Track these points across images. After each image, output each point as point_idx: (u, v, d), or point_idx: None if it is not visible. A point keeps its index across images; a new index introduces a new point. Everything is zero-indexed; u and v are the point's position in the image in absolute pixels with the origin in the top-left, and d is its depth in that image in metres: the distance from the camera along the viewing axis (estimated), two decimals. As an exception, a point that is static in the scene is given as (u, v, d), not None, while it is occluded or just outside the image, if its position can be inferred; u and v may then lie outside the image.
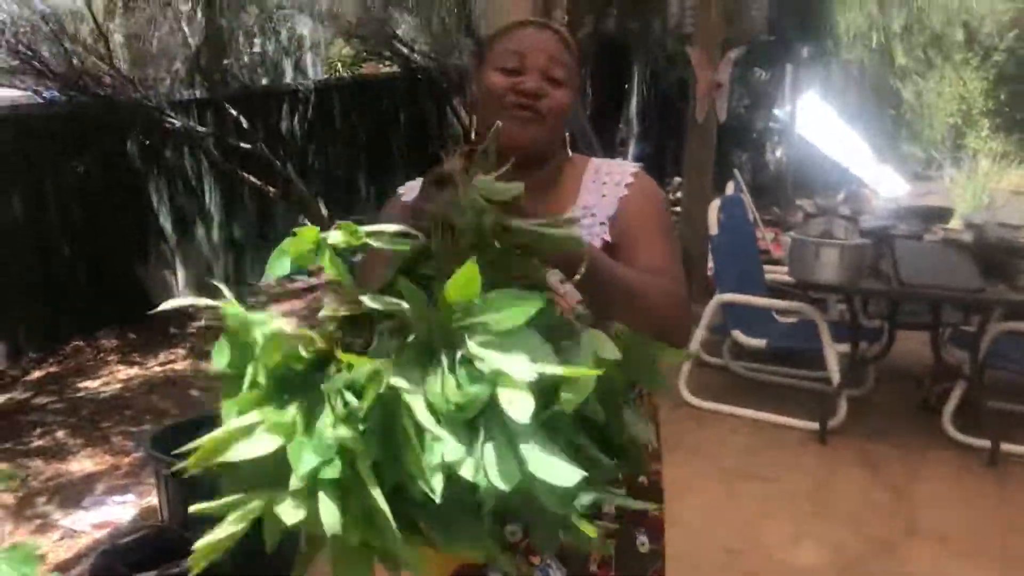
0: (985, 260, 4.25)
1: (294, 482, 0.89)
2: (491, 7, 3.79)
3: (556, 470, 0.88)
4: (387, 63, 10.39)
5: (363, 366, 0.94)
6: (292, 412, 0.95)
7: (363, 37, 8.36)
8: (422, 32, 8.33)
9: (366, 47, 9.66)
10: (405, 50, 8.97)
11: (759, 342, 4.69)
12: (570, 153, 1.57)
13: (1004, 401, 4.59)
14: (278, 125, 8.18)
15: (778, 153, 13.00)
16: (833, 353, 4.46)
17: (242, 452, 0.93)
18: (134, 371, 5.81)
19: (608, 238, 1.47)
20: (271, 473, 0.93)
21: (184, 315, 6.93)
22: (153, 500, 3.78)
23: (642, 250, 1.44)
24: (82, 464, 4.44)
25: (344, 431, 0.90)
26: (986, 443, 4.16)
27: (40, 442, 4.69)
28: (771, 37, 11.32)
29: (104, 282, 6.52)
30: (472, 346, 0.93)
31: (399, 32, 8.78)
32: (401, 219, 1.17)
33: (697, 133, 6.48)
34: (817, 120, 12.29)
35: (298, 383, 0.99)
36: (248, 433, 0.95)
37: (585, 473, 0.89)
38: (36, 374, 5.74)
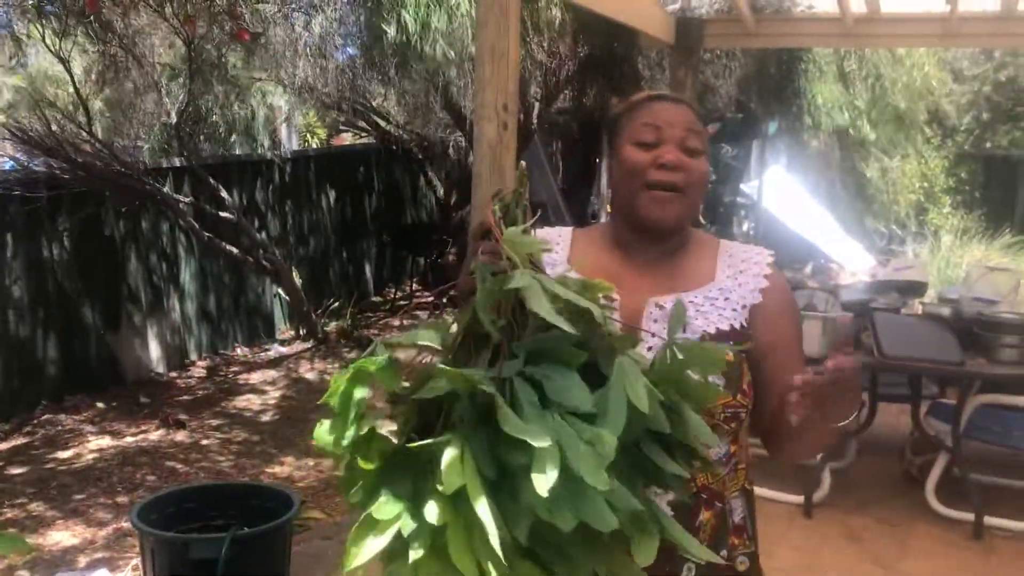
0: (963, 333, 4.32)
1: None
2: (477, 81, 3.84)
3: (601, 511, 1.00)
4: (362, 134, 10.50)
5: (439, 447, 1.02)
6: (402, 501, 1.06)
7: (339, 108, 8.44)
8: (398, 104, 8.44)
9: (342, 118, 9.77)
10: (380, 121, 9.07)
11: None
12: (702, 223, 1.60)
13: (986, 474, 4.62)
14: (253, 194, 8.18)
15: (745, 227, 13.20)
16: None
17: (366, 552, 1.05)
18: (107, 441, 5.67)
19: (743, 323, 1.48)
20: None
21: (154, 384, 6.82)
22: (129, 574, 3.67)
23: (790, 360, 1.48)
24: (56, 537, 4.30)
25: (438, 509, 1.01)
26: (970, 516, 4.17)
27: (11, 514, 4.54)
28: (739, 115, 11.63)
29: (76, 351, 6.41)
30: (503, 414, 1.02)
31: (374, 103, 8.89)
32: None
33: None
34: (783, 195, 12.54)
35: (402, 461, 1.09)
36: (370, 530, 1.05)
37: (639, 506, 1.04)
38: (6, 445, 5.59)
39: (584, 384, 1.06)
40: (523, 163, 1.37)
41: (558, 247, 1.58)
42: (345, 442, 1.10)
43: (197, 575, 2.81)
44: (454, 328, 1.18)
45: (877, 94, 10.96)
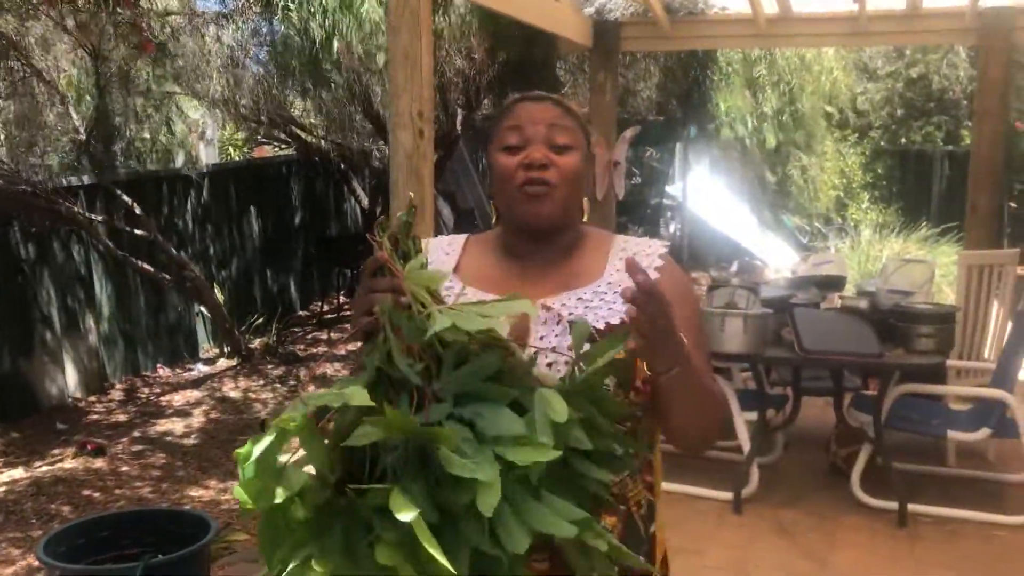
0: (881, 326, 4.39)
1: None
2: (391, 88, 3.79)
3: (559, 522, 1.06)
4: (283, 145, 10.34)
5: (380, 495, 1.03)
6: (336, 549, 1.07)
7: (257, 120, 8.29)
8: (316, 114, 8.32)
9: (260, 130, 9.59)
10: (300, 132, 8.93)
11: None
12: (586, 217, 1.57)
13: (908, 462, 4.71)
14: (171, 211, 7.98)
15: (671, 228, 13.36)
16: (742, 422, 4.51)
17: None
18: (19, 471, 5.45)
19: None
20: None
21: (71, 409, 6.59)
22: (42, 612, 3.51)
23: (692, 348, 1.44)
24: (-39, 577, 4.11)
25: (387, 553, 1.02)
26: (894, 504, 4.23)
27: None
28: (661, 118, 11.75)
29: (-16, 378, 6.16)
30: (446, 457, 1.04)
31: (293, 114, 8.75)
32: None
33: (597, 210, 6.58)
34: (707, 196, 12.73)
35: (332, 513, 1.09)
36: None
37: (586, 514, 1.09)
38: (-92, 479, 5.34)
39: (515, 416, 1.10)
40: (411, 194, 1.38)
41: (447, 256, 1.57)
42: (277, 499, 1.06)
43: (109, 608, 2.69)
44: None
45: (787, 98, 11.20)
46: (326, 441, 1.10)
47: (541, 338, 1.42)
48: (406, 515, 0.99)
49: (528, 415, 1.10)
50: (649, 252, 1.53)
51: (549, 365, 1.39)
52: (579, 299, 1.45)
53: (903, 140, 14.96)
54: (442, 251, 1.58)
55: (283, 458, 1.08)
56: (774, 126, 11.46)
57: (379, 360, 1.15)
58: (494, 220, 1.60)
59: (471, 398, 1.12)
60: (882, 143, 14.77)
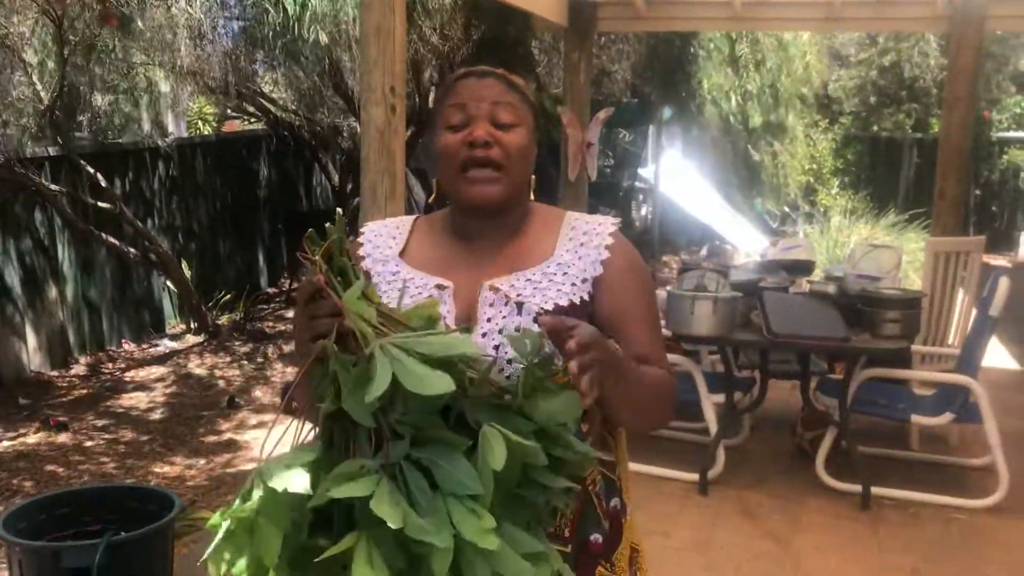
0: (848, 310, 4.42)
1: None
2: (363, 63, 3.74)
3: (519, 564, 1.09)
4: (252, 120, 10.21)
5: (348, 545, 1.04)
6: None
7: (225, 93, 8.17)
8: (287, 88, 8.22)
9: (230, 104, 9.46)
10: (270, 107, 8.82)
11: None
12: (531, 197, 1.54)
13: (872, 445, 4.76)
14: (137, 183, 7.86)
15: (643, 210, 13.38)
16: (709, 404, 4.53)
17: None
18: (-21, 446, 5.38)
19: (585, 297, 1.44)
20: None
21: (34, 384, 6.50)
22: (2, 589, 3.46)
23: (633, 330, 1.46)
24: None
25: None
26: (858, 488, 4.28)
27: None
28: (635, 100, 11.74)
29: (-56, 351, 6.06)
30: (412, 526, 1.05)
31: (264, 88, 8.63)
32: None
33: (570, 191, 6.57)
34: (679, 179, 12.75)
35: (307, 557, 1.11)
36: None
37: (541, 548, 1.12)
38: None
39: (469, 466, 1.09)
40: (339, 210, 1.34)
41: (394, 241, 1.55)
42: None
43: (70, 584, 2.65)
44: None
45: (764, 80, 11.21)
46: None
47: (489, 320, 1.41)
48: (363, 572, 1.01)
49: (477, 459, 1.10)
50: (599, 229, 1.51)
51: (496, 347, 1.38)
52: (528, 280, 1.44)
53: (875, 128, 15.07)
54: (389, 236, 1.56)
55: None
56: (758, 105, 11.47)
57: (330, 402, 1.14)
58: (431, 199, 1.56)
59: (427, 438, 1.11)
60: (853, 130, 14.87)
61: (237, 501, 1.12)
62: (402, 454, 1.09)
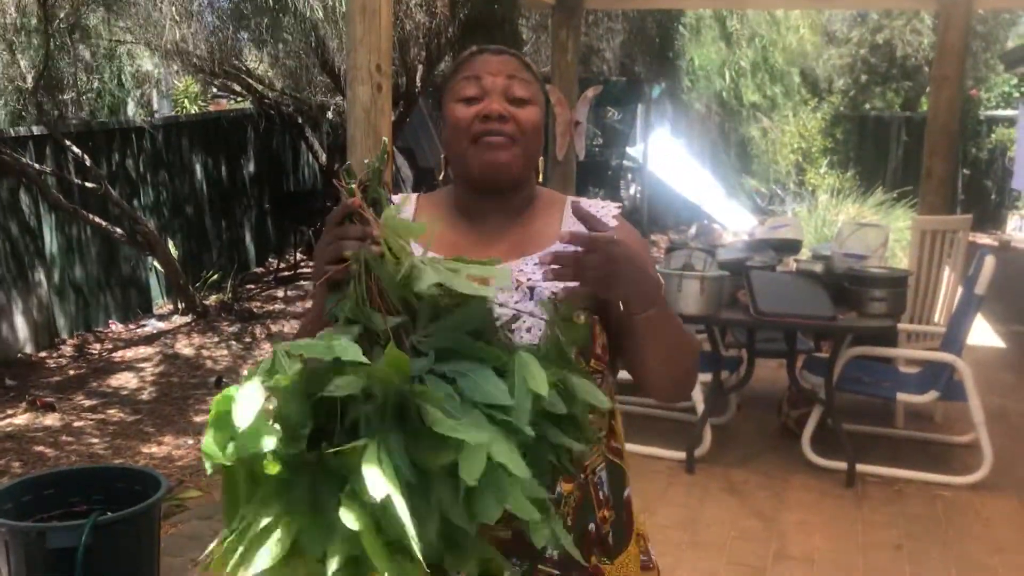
0: (835, 289, 4.44)
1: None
2: (348, 40, 3.71)
3: (525, 504, 1.03)
4: (238, 98, 10.14)
5: (356, 452, 0.98)
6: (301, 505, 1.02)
7: (211, 72, 8.11)
8: (274, 67, 8.17)
9: (215, 82, 9.39)
10: (257, 85, 8.76)
11: (622, 373, 4.72)
12: (539, 180, 1.53)
13: (857, 423, 4.80)
14: (123, 163, 7.81)
15: (632, 190, 13.36)
16: (697, 383, 4.54)
17: (261, 562, 0.99)
18: (-35, 428, 5.36)
19: None
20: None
21: (21, 365, 6.47)
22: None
23: None
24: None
25: (352, 516, 0.97)
26: (843, 465, 4.31)
27: None
28: (623, 78, 11.70)
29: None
30: (432, 415, 1.00)
31: (250, 67, 8.57)
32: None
33: (558, 170, 6.56)
34: (668, 158, 12.73)
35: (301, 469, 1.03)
36: (265, 538, 1.00)
37: (544, 496, 1.07)
38: None
39: (499, 380, 1.06)
40: (384, 139, 1.32)
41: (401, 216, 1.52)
42: (248, 452, 1.00)
43: (56, 565, 2.65)
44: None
45: (755, 57, 11.18)
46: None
47: (500, 305, 1.38)
48: (379, 490, 0.95)
49: (509, 380, 1.07)
50: (602, 213, 1.51)
51: (511, 332, 1.37)
52: (536, 264, 1.42)
53: (867, 106, 15.05)
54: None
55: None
56: (751, 81, 11.43)
57: (351, 311, 1.11)
58: (441, 176, 1.53)
59: (453, 354, 1.08)
60: (842, 108, 14.85)
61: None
62: (423, 369, 1.06)
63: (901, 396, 4.53)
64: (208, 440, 1.01)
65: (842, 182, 12.62)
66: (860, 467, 4.32)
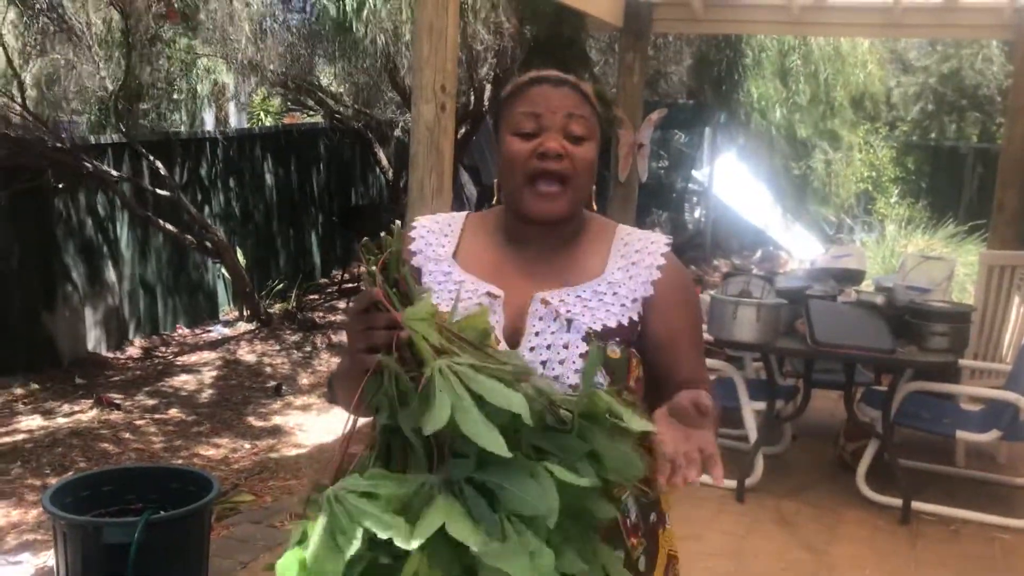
0: (895, 322, 4.36)
1: None
2: (414, 60, 3.79)
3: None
4: (310, 112, 10.36)
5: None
6: None
7: (285, 86, 8.32)
8: (345, 83, 8.34)
9: (289, 96, 9.62)
10: (329, 100, 8.95)
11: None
12: (594, 208, 1.53)
13: (915, 459, 4.69)
14: (196, 172, 8.04)
15: (696, 213, 13.29)
16: (750, 411, 4.50)
17: None
18: (38, 422, 5.55)
19: (634, 317, 1.44)
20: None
21: (91, 363, 6.69)
22: (51, 561, 3.58)
23: (684, 354, 1.45)
24: (-24, 521, 4.20)
25: None
26: (898, 501, 4.22)
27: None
28: (690, 101, 11.66)
29: (9, 329, 6.25)
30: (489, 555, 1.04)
31: (322, 82, 8.77)
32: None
33: (619, 192, 6.56)
34: (734, 182, 12.63)
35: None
36: None
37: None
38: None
39: (538, 488, 1.07)
40: (397, 223, 1.33)
41: (446, 239, 1.52)
42: None
43: (110, 560, 2.74)
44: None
45: (817, 92, 11.06)
46: None
47: (537, 334, 1.40)
48: None
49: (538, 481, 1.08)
50: (652, 248, 1.51)
51: (544, 363, 1.38)
52: (578, 297, 1.43)
53: (934, 135, 14.74)
54: (441, 233, 1.53)
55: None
56: (806, 116, 11.33)
57: (386, 418, 1.13)
58: (494, 200, 1.54)
59: (494, 460, 1.08)
60: (913, 137, 14.56)
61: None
62: (464, 473, 1.08)
63: (961, 434, 4.41)
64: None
65: (912, 212, 12.37)
66: (916, 504, 4.22)
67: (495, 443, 1.05)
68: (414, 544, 1.02)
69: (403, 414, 1.12)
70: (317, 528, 1.08)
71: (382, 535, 1.03)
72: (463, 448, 1.09)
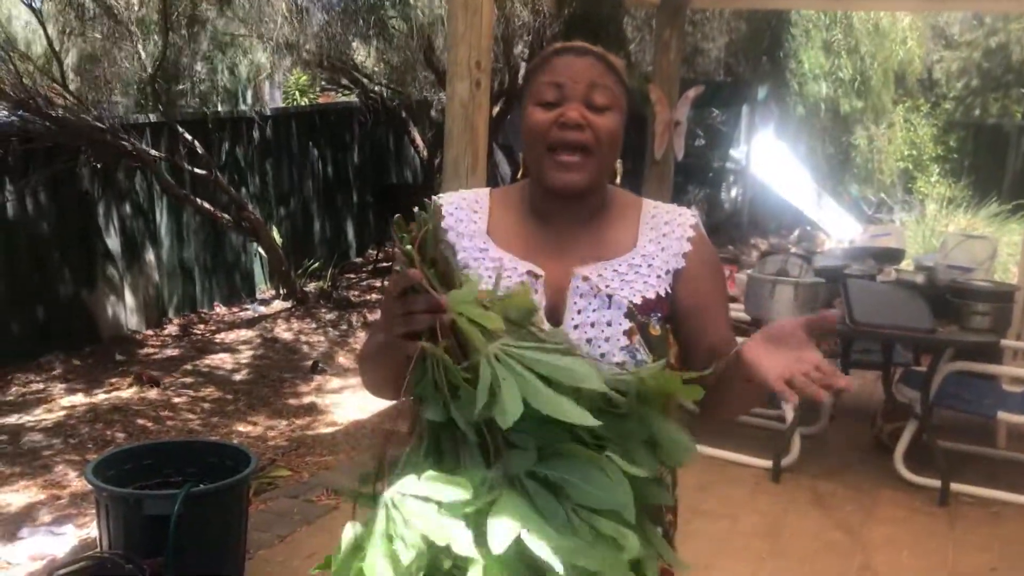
0: (936, 301, 4.30)
1: None
2: (449, 37, 3.77)
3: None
4: (345, 91, 10.38)
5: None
6: None
7: (320, 66, 8.33)
8: (379, 61, 8.34)
9: (324, 76, 9.64)
10: (364, 79, 8.96)
11: (714, 379, 4.67)
12: (617, 181, 1.52)
13: (954, 441, 4.63)
14: (233, 151, 8.09)
15: (733, 192, 13.16)
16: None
17: None
18: (78, 398, 5.65)
19: (667, 289, 1.44)
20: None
21: (130, 341, 6.78)
22: (93, 532, 3.65)
23: (713, 320, 1.45)
24: (22, 494, 4.28)
25: None
26: (937, 483, 4.18)
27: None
28: (728, 79, 11.53)
29: (49, 306, 6.36)
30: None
31: (357, 61, 8.77)
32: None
33: (655, 169, 6.50)
34: (772, 161, 12.48)
35: None
36: None
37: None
38: (-26, 401, 5.56)
39: (606, 480, 1.05)
40: (435, 198, 1.29)
41: (476, 216, 1.50)
42: None
43: (151, 531, 2.79)
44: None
45: (861, 65, 10.86)
46: None
47: (579, 312, 1.39)
48: None
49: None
50: (680, 220, 1.50)
51: (589, 341, 1.37)
52: (615, 271, 1.42)
53: (977, 112, 14.42)
54: (470, 209, 1.51)
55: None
56: (848, 92, 11.15)
57: (436, 413, 1.09)
58: (520, 174, 1.53)
59: (556, 452, 1.05)
60: (956, 115, 14.27)
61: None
62: (524, 468, 1.05)
63: (1002, 415, 4.35)
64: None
65: (954, 191, 12.16)
66: (955, 486, 4.17)
67: (582, 417, 1.01)
68: (479, 551, 0.99)
69: (456, 406, 1.07)
70: (374, 535, 1.04)
71: (441, 543, 1.00)
72: (519, 441, 1.05)
